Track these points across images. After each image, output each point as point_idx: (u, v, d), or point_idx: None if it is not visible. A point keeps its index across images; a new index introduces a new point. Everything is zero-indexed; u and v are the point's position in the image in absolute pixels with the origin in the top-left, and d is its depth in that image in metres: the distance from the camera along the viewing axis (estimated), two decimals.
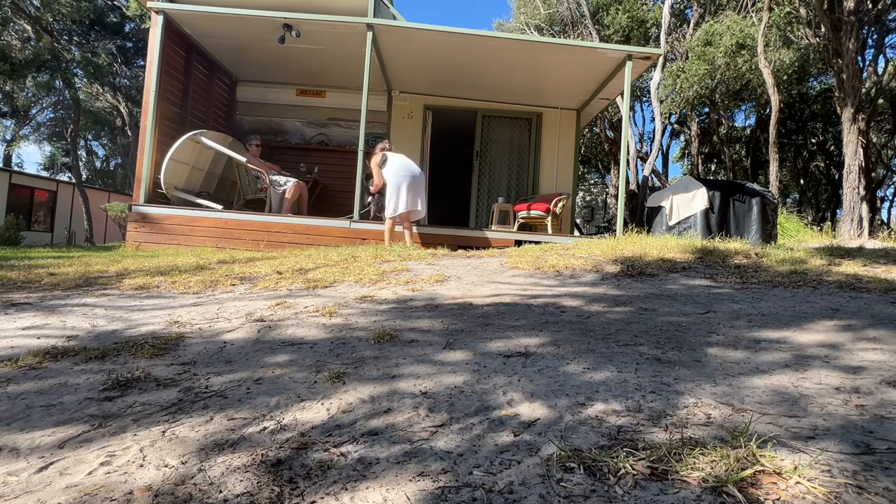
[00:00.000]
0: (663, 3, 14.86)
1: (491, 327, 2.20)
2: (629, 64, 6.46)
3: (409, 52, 7.09)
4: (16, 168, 27.78)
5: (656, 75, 13.93)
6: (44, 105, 27.01)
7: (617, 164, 19.31)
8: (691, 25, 16.91)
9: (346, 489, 0.97)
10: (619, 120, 16.57)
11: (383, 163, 5.81)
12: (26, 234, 13.72)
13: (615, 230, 6.61)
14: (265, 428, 1.26)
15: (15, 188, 18.17)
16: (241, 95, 8.76)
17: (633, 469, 0.98)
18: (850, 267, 3.55)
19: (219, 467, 1.07)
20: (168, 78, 6.80)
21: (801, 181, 23.93)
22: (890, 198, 27.43)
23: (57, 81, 17.87)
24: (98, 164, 35.35)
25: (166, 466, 1.08)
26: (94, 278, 3.56)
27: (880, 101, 15.13)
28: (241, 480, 1.01)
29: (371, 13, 6.45)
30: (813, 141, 22.05)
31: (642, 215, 8.40)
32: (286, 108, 8.76)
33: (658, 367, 1.64)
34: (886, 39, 16.16)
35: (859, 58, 13.00)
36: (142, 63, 18.56)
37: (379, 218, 6.66)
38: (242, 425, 1.28)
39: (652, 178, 14.80)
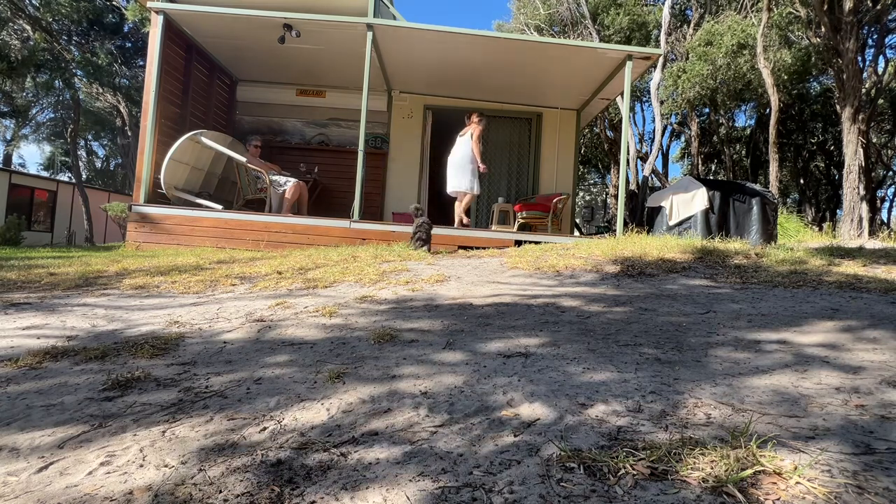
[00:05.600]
0: (663, 3, 14.87)
1: (491, 327, 2.20)
2: (629, 64, 6.46)
3: (410, 52, 7.09)
4: (16, 168, 27.79)
5: (656, 76, 13.92)
6: (44, 105, 27.00)
7: (617, 164, 19.30)
8: (691, 26, 16.90)
9: (346, 489, 0.97)
10: (620, 120, 16.55)
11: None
12: (26, 235, 13.69)
13: (615, 230, 6.61)
14: (265, 428, 1.26)
15: (15, 188, 18.17)
16: (241, 95, 8.75)
17: (633, 469, 0.98)
18: (849, 267, 3.55)
19: (219, 467, 1.07)
20: (168, 78, 6.79)
21: (801, 181, 23.91)
22: (890, 198, 27.41)
23: (57, 81, 17.84)
24: (98, 164, 35.36)
25: (166, 466, 1.08)
26: (93, 278, 3.56)
27: (880, 101, 15.13)
28: (241, 480, 1.01)
29: (371, 13, 6.45)
30: (813, 141, 22.04)
31: (642, 215, 8.38)
32: (286, 108, 8.75)
33: (658, 368, 1.64)
34: (886, 39, 16.16)
35: (859, 58, 13.00)
36: (142, 63, 18.51)
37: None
38: (242, 425, 1.28)
39: (652, 178, 14.80)
